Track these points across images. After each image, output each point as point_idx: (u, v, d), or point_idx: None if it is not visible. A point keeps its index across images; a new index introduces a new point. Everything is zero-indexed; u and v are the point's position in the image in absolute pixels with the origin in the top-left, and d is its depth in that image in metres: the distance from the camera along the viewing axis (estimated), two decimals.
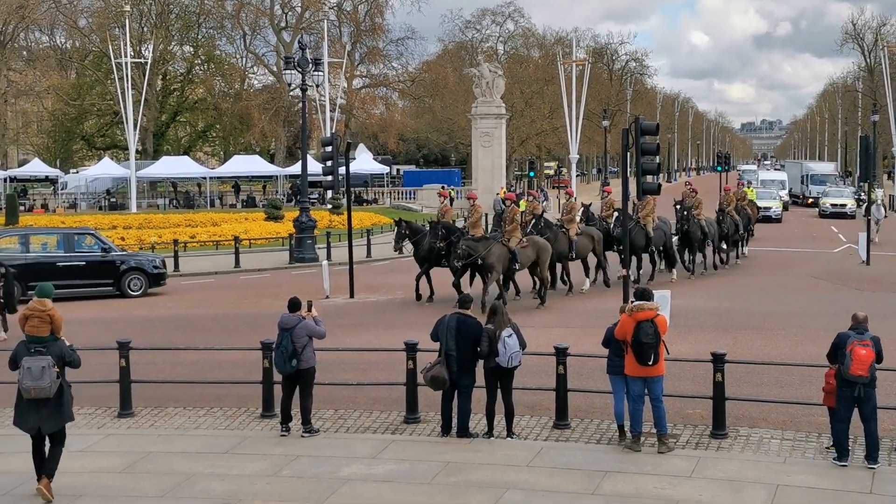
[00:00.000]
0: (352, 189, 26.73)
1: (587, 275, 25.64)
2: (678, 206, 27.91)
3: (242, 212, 54.69)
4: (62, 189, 66.95)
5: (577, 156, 68.51)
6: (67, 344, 10.20)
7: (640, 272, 26.31)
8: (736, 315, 21.06)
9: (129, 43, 58.47)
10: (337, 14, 76.23)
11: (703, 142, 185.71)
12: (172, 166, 64.91)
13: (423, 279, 23.30)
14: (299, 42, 32.72)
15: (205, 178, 67.43)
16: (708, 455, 11.33)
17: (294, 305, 12.23)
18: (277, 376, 12.66)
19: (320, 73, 34.55)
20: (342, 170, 24.69)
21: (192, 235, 39.25)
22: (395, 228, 24.01)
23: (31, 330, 10.06)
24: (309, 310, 12.33)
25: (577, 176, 75.75)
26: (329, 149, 24.31)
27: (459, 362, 11.86)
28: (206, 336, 19.18)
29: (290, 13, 77.63)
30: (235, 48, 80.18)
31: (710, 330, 18.79)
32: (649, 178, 18.23)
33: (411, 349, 12.91)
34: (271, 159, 76.23)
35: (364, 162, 68.08)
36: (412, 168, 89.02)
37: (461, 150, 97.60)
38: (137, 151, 63.29)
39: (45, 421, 9.99)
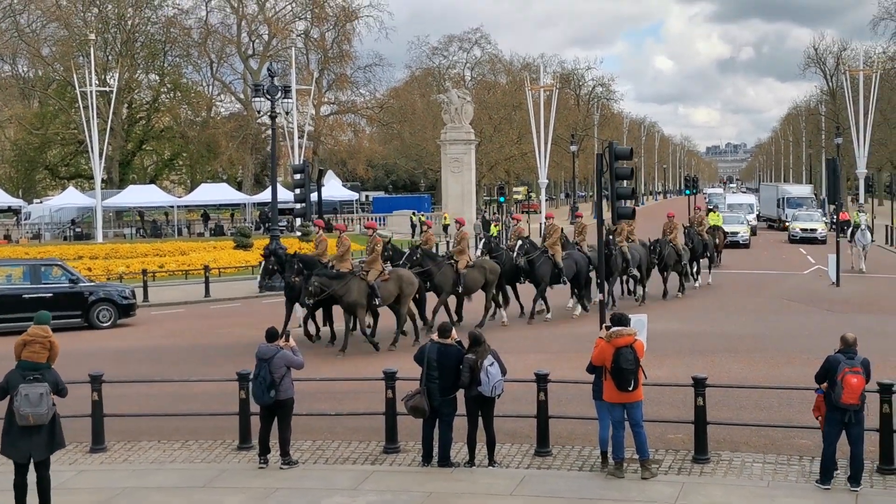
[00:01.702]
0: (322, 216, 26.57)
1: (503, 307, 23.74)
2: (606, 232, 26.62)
3: (211, 240, 54.20)
4: (25, 219, 66.08)
5: (546, 180, 68.76)
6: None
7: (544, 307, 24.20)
8: (710, 338, 21.09)
9: (94, 71, 58.02)
10: (304, 41, 76.21)
11: (669, 166, 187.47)
12: (139, 195, 64.36)
13: (322, 316, 21.80)
14: (269, 69, 32.51)
15: (172, 206, 66.88)
16: (692, 480, 11.27)
17: (271, 336, 12.07)
18: (254, 407, 12.46)
19: (289, 101, 34.43)
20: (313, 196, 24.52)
21: (161, 265, 38.78)
22: (262, 263, 21.73)
23: (29, 356, 10.10)
24: (286, 339, 12.17)
25: (546, 200, 75.98)
26: (300, 176, 24.16)
27: (441, 391, 11.75)
28: (178, 367, 18.86)
29: (257, 41, 77.52)
30: (202, 76, 79.94)
31: (685, 353, 18.79)
32: (625, 203, 18.21)
33: (390, 377, 12.77)
34: (238, 187, 75.88)
35: (333, 188, 67.93)
36: (381, 194, 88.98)
37: (430, 176, 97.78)
38: (103, 181, 62.62)
39: (37, 448, 10.04)
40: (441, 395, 11.75)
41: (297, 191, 24.16)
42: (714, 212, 44.30)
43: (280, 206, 43.96)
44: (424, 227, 25.08)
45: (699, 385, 11.88)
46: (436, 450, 11.99)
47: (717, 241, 37.36)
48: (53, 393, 10.16)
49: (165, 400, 15.62)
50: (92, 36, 60.23)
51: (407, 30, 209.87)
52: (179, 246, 47.92)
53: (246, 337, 20.69)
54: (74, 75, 58.27)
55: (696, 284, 31.05)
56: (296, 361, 12.03)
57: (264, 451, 12.11)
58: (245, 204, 69.00)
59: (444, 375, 11.76)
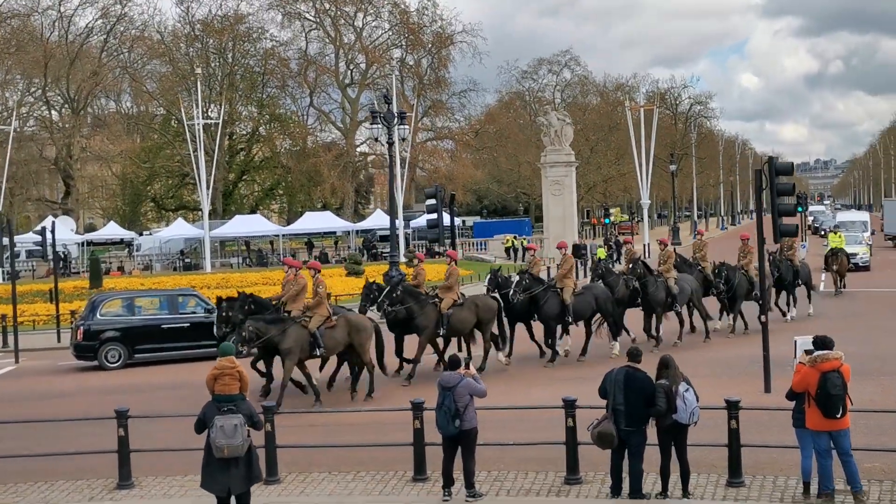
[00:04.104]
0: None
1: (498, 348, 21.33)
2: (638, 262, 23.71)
3: None
4: (136, 251, 67.64)
5: (648, 201, 67.75)
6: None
7: (557, 350, 21.53)
8: (868, 360, 20.01)
9: (200, 105, 59.24)
10: (400, 69, 76.81)
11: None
12: (245, 225, 65.34)
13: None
14: (385, 97, 32.65)
15: (277, 235, 67.71)
16: None
17: (454, 363, 11.77)
18: (429, 437, 12.14)
19: (405, 127, 34.46)
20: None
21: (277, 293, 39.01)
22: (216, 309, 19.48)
23: (221, 389, 10.09)
24: (467, 367, 11.86)
25: (638, 222, 74.93)
26: (433, 201, 24.02)
27: (628, 418, 11.24)
28: (322, 395, 18.70)
29: (354, 70, 78.39)
30: (298, 106, 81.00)
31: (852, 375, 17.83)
32: (781, 221, 17.46)
33: (570, 406, 12.31)
34: (338, 215, 76.61)
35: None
36: (477, 219, 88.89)
37: (523, 200, 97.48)
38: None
39: (235, 481, 9.92)
40: (628, 423, 11.21)
41: (432, 215, 23.98)
42: (835, 232, 41.61)
43: (384, 232, 44.15)
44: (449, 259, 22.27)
45: None
46: (626, 480, 11.49)
47: (837, 266, 34.92)
48: (248, 425, 10.03)
49: (321, 431, 15.44)
50: (199, 70, 61.55)
51: (497, 54, 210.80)
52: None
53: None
54: (182, 109, 59.60)
55: (789, 318, 27.11)
56: (479, 389, 11.67)
57: (448, 483, 11.74)
58: (349, 231, 69.51)
59: (632, 402, 11.24)
